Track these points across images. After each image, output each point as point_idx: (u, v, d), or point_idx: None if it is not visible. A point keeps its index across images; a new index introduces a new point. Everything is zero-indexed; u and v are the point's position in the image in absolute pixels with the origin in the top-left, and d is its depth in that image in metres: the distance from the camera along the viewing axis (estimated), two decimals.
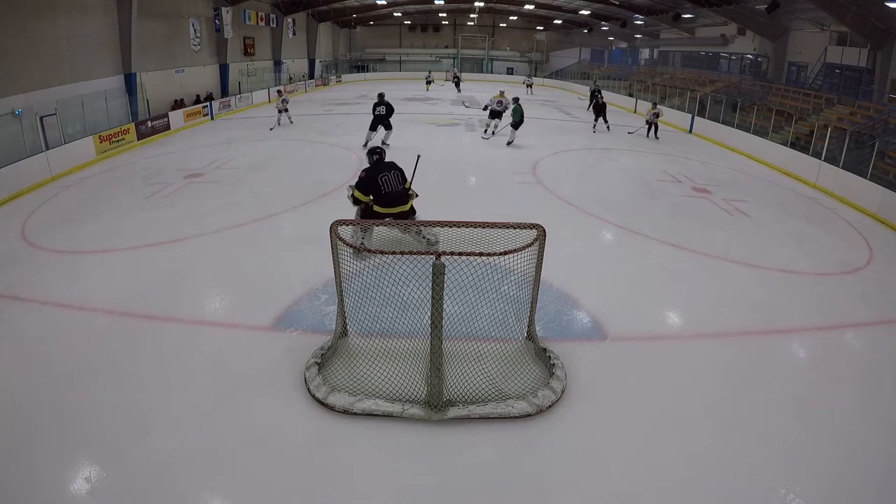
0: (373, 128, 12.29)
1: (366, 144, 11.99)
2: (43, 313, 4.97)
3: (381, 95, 12.36)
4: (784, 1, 17.01)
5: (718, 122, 16.08)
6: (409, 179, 6.04)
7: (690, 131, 17.18)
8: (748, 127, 14.73)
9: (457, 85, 29.49)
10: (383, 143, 12.08)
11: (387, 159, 6.16)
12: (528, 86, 29.10)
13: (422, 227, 5.70)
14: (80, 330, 4.70)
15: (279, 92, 17.26)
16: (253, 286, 5.52)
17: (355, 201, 5.92)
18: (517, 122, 12.90)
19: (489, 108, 13.95)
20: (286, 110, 15.71)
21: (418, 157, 6.53)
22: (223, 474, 3.22)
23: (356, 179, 6.01)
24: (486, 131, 14.15)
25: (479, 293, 4.24)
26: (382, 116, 12.17)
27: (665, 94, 21.36)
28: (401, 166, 6.03)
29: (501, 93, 14.04)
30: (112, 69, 15.20)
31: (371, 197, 5.79)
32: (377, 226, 5.41)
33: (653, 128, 15.26)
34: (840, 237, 7.89)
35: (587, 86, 30.08)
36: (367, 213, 5.85)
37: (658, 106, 15.55)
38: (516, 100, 13.15)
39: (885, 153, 11.13)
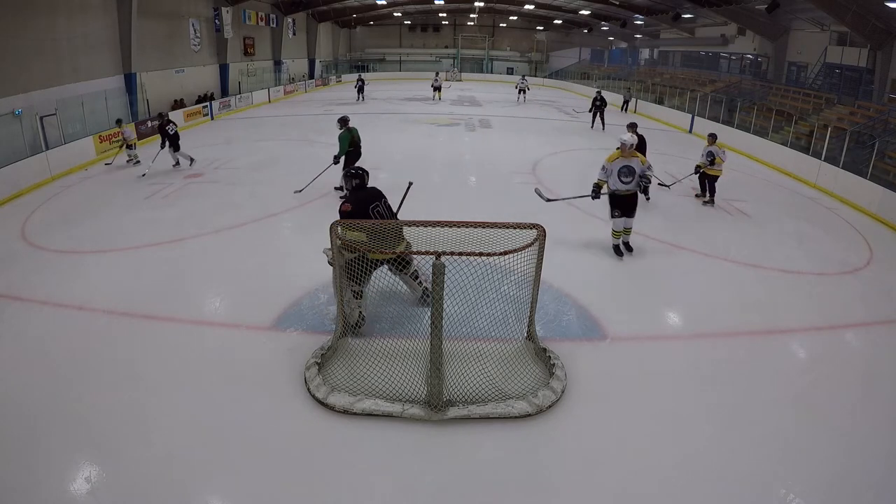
0: (175, 148, 10.58)
1: (177, 164, 10.65)
2: (43, 313, 4.97)
3: (162, 115, 11.12)
4: (784, 1, 17.02)
5: (718, 122, 16.07)
6: (395, 209, 5.07)
7: (690, 131, 17.17)
8: (748, 127, 14.73)
9: (360, 91, 23.14)
10: (191, 161, 10.81)
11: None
12: (520, 91, 23.80)
13: (418, 273, 4.83)
14: (80, 330, 4.70)
15: (118, 121, 11.59)
16: (253, 286, 5.52)
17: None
18: (339, 156, 8.41)
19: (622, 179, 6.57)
20: (130, 146, 11.01)
21: (410, 184, 5.43)
22: (223, 474, 3.22)
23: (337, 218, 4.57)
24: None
25: (479, 293, 4.24)
26: (177, 134, 10.64)
27: (665, 94, 21.37)
28: (381, 191, 4.91)
29: (632, 127, 8.28)
30: (112, 69, 15.21)
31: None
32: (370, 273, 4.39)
33: (705, 182, 9.01)
34: (840, 237, 7.88)
35: (589, 86, 30.00)
36: (356, 266, 4.20)
37: (717, 140, 8.91)
38: (344, 121, 8.52)
39: (885, 153, 11.13)
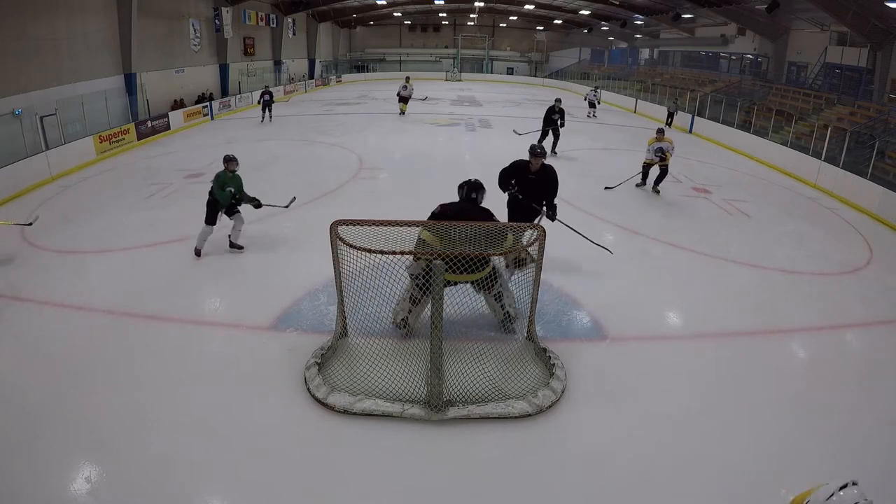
0: None
1: None
2: (43, 313, 4.97)
3: None
4: (784, 1, 17.01)
5: (718, 122, 16.08)
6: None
7: (690, 131, 17.17)
8: (748, 127, 14.74)
9: None
10: None
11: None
12: (591, 104, 19.67)
13: (503, 295, 4.41)
14: (80, 330, 4.70)
15: None
16: (253, 286, 5.52)
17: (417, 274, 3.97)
18: (234, 202, 6.36)
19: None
20: None
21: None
22: (223, 474, 3.22)
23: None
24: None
25: (480, 293, 4.25)
26: None
27: (665, 93, 21.32)
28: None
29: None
30: (112, 69, 15.20)
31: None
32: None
33: (649, 172, 9.34)
34: (840, 237, 7.89)
35: (589, 85, 29.81)
36: (423, 279, 3.95)
37: (666, 135, 9.16)
38: (229, 161, 6.29)
39: (885, 153, 11.13)
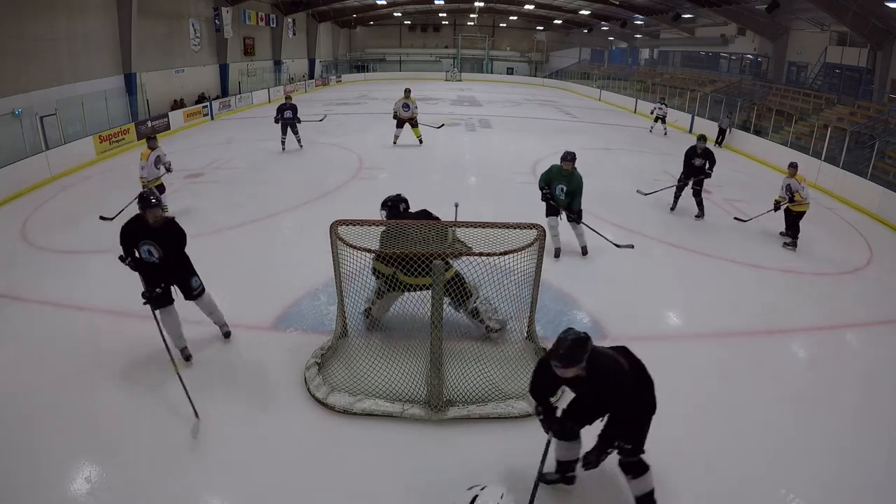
0: None
1: None
2: (43, 313, 4.97)
3: None
4: (784, 1, 17.02)
5: (718, 122, 16.06)
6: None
7: (690, 131, 17.16)
8: (748, 127, 14.73)
9: None
10: None
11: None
12: (657, 119, 16.40)
13: (479, 310, 4.35)
14: (80, 330, 4.71)
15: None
16: (253, 286, 5.52)
17: (378, 274, 4.22)
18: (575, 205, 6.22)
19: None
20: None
21: (456, 205, 5.03)
22: (223, 474, 3.22)
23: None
24: None
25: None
26: None
27: (665, 93, 21.33)
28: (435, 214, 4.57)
29: None
30: (112, 69, 15.21)
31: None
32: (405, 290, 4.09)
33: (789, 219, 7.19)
34: (840, 237, 7.89)
35: (589, 86, 29.82)
36: (383, 290, 4.29)
37: (798, 173, 7.12)
38: (563, 160, 6.15)
39: (885, 153, 11.14)
